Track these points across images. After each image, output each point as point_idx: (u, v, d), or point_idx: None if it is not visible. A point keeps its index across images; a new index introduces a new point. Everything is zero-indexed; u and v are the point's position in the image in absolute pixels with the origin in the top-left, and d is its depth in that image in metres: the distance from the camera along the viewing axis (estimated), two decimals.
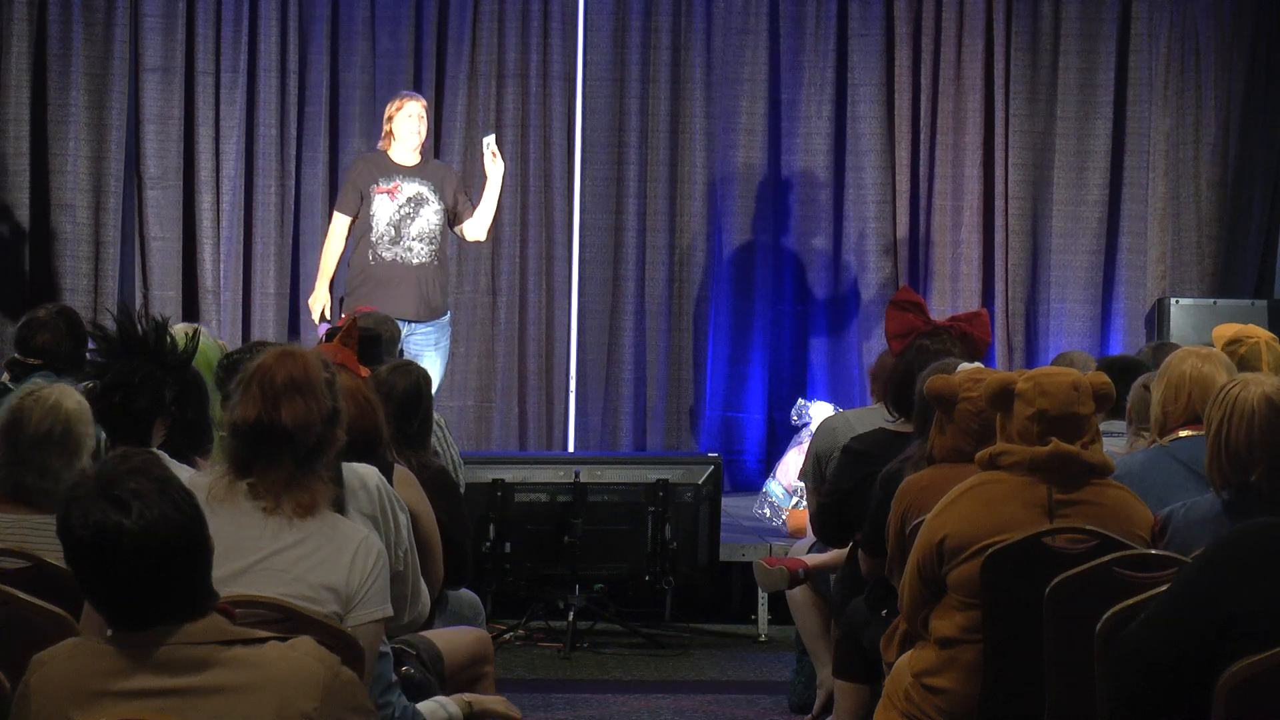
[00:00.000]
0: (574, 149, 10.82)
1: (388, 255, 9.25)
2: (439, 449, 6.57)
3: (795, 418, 9.76)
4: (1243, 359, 6.05)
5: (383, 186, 9.28)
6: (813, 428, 8.64)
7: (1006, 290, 10.92)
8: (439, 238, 9.34)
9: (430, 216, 9.31)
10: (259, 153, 10.65)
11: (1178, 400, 5.39)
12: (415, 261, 9.27)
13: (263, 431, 3.99)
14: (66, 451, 4.54)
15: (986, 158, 10.95)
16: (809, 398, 10.08)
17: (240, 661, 3.05)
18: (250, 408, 4.02)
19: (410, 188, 9.29)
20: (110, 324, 5.24)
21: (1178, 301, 10.44)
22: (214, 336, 8.15)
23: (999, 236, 10.95)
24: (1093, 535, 4.66)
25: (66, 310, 6.88)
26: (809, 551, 7.01)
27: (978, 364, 5.76)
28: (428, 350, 9.29)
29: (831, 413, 8.30)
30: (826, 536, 6.51)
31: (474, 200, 9.50)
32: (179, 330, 5.92)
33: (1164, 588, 3.84)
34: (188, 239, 10.61)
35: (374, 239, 9.26)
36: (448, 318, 9.52)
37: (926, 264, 10.95)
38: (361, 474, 4.54)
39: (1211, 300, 10.51)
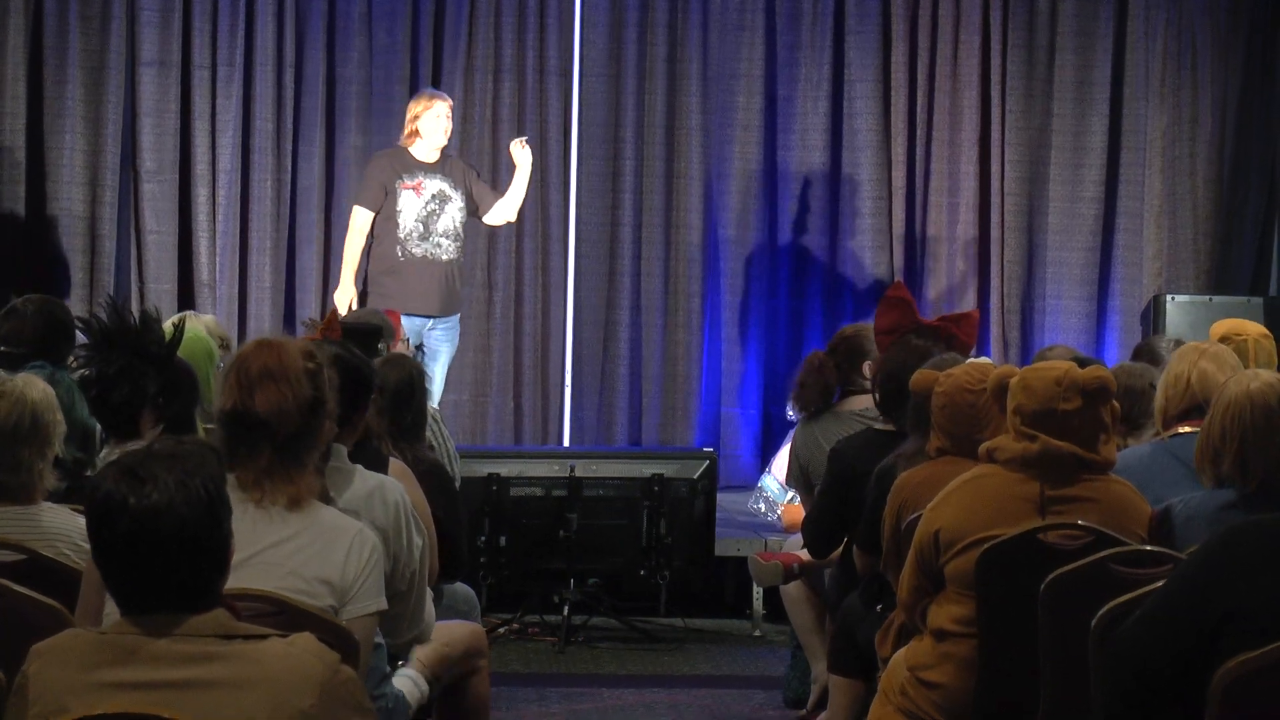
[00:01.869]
0: (570, 144, 10.81)
1: (418, 251, 9.42)
2: (434, 443, 6.56)
3: (790, 413, 9.73)
4: None
5: (407, 183, 9.45)
6: None
7: (1002, 287, 10.92)
8: (463, 235, 9.58)
9: (454, 214, 9.53)
10: (255, 147, 10.64)
11: (1178, 395, 5.41)
12: (445, 258, 9.49)
13: (239, 420, 4.00)
14: (37, 441, 4.50)
15: (983, 154, 10.95)
16: None
17: (239, 656, 3.04)
18: (228, 397, 4.04)
19: (433, 184, 9.49)
20: (97, 316, 5.24)
21: (1174, 298, 10.45)
22: (219, 325, 8.14)
23: (995, 233, 10.94)
24: (1088, 531, 4.66)
25: (47, 301, 6.68)
26: (803, 546, 7.01)
27: (984, 359, 5.78)
28: (445, 344, 9.56)
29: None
30: (817, 549, 6.50)
31: (497, 188, 9.81)
32: (169, 322, 5.92)
33: (1159, 584, 3.84)
34: (183, 232, 10.60)
35: (402, 235, 9.42)
36: (458, 314, 9.74)
37: (922, 260, 10.95)
38: (384, 485, 4.51)
39: (1207, 297, 10.51)
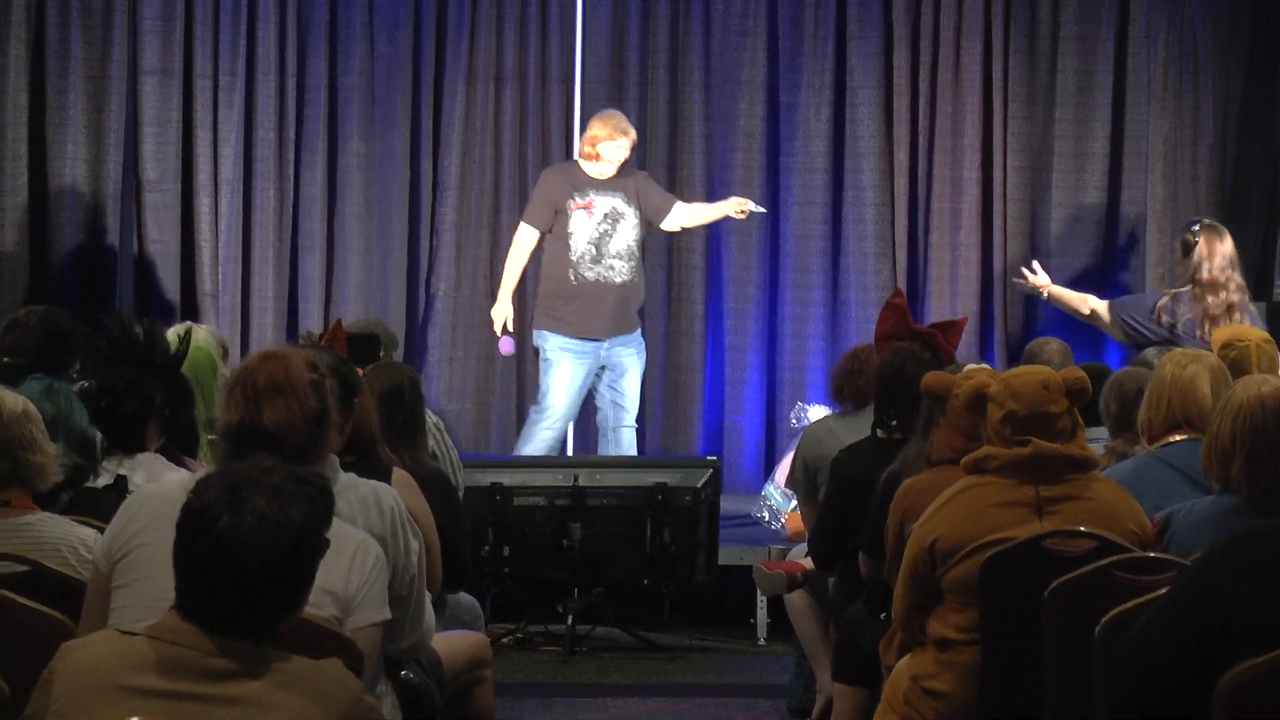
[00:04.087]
0: (572, 152, 10.80)
1: (590, 275, 9.36)
2: (437, 452, 6.55)
3: (794, 421, 9.74)
4: (1234, 363, 6.05)
5: (579, 202, 9.37)
6: None
7: (1005, 292, 10.91)
8: (638, 253, 9.50)
9: (628, 232, 9.43)
10: (257, 156, 10.64)
11: (1161, 405, 5.40)
12: (618, 280, 9.41)
13: (246, 434, 3.99)
14: (38, 424, 4.53)
15: (985, 159, 10.93)
16: (807, 401, 10.05)
17: (265, 677, 3.06)
18: (234, 411, 4.03)
19: (605, 202, 9.40)
20: (104, 328, 5.24)
21: None
22: (217, 333, 8.14)
23: (997, 238, 10.93)
24: (1091, 537, 4.67)
25: (50, 312, 6.69)
26: (807, 555, 7.00)
27: (984, 365, 5.78)
28: (632, 363, 9.51)
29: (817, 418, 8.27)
30: (824, 562, 6.47)
31: (677, 196, 9.82)
32: (173, 332, 5.92)
33: (1163, 590, 3.84)
34: (186, 242, 10.60)
35: (574, 257, 9.36)
36: (640, 329, 9.72)
37: (925, 266, 10.94)
38: (377, 491, 4.49)
39: None
